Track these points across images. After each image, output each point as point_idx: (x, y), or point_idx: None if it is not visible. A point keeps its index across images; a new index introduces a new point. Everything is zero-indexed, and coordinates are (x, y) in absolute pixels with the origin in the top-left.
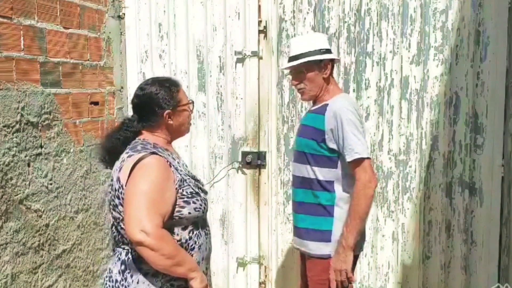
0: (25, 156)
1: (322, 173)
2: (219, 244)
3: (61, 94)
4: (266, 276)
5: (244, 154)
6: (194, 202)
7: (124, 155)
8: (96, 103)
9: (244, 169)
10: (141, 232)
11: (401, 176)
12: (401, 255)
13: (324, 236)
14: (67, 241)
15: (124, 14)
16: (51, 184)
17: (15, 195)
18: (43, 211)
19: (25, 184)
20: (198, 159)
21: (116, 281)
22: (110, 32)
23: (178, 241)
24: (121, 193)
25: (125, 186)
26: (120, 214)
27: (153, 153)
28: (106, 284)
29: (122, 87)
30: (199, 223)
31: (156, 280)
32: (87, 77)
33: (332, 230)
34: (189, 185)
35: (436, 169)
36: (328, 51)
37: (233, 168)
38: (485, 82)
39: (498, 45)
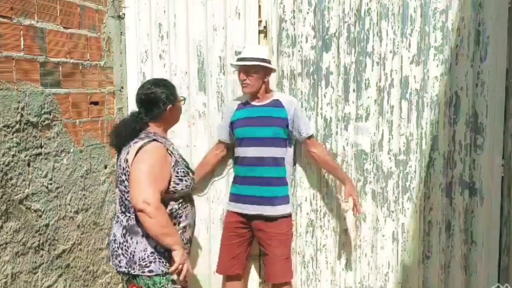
0: (25, 156)
1: (279, 152)
2: (219, 243)
3: (61, 94)
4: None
5: None
6: (186, 180)
7: (131, 142)
8: (96, 103)
9: None
10: (144, 202)
11: (401, 176)
12: (401, 255)
13: (287, 199)
14: (67, 241)
15: (124, 14)
16: (51, 184)
17: (15, 195)
18: (43, 211)
19: (25, 184)
20: (198, 159)
21: (120, 242)
22: (110, 32)
23: (170, 210)
24: (127, 171)
25: (131, 166)
26: (125, 188)
27: (154, 140)
28: (112, 245)
29: (122, 87)
30: (187, 197)
31: (150, 241)
32: (87, 77)
33: (288, 195)
34: (181, 166)
35: (436, 169)
36: (269, 62)
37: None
38: (485, 82)
39: (498, 45)
